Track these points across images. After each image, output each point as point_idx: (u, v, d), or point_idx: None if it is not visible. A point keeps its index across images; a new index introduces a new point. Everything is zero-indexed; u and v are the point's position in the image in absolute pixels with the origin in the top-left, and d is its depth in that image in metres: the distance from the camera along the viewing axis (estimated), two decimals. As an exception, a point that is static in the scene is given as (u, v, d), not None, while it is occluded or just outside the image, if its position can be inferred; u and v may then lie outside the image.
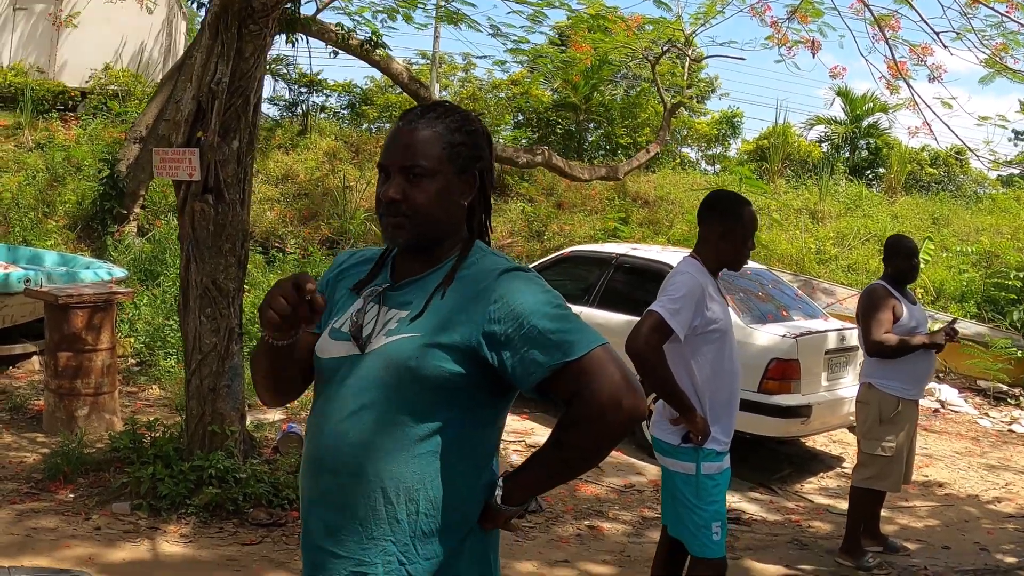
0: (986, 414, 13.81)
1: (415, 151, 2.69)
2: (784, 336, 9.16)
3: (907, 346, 7.07)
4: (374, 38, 11.59)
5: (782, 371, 9.03)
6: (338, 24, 12.20)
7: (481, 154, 2.83)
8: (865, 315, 7.27)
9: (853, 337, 9.75)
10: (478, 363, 2.58)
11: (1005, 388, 14.59)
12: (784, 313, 9.97)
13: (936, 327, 7.99)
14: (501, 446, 2.84)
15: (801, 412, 9.10)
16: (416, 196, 2.68)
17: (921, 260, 7.45)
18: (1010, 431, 12.97)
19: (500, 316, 2.54)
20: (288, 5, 7.86)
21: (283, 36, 8.73)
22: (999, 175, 29.30)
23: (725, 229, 5.11)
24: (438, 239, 2.75)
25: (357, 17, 13.49)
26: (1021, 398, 14.48)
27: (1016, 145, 38.97)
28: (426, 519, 2.61)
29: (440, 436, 2.61)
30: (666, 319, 4.80)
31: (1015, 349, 14.76)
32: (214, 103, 7.10)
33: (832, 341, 9.64)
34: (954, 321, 7.64)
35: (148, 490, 7.13)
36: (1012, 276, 17.62)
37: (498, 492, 2.66)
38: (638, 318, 8.67)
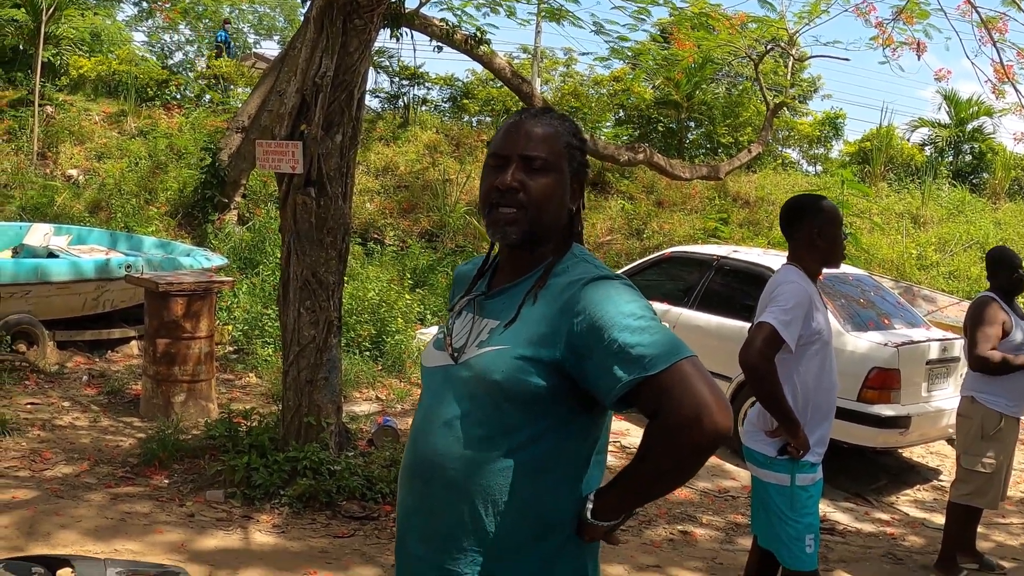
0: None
1: (538, 143, 2.64)
2: (886, 345, 9.01)
3: (1011, 365, 6.90)
4: (478, 34, 11.57)
5: (882, 380, 8.88)
6: (442, 19, 12.19)
7: (588, 164, 2.80)
8: (973, 327, 7.06)
9: (955, 348, 9.61)
10: (564, 376, 2.51)
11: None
12: (886, 321, 9.81)
13: None
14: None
15: (900, 423, 8.94)
16: (534, 187, 2.62)
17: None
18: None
19: (583, 328, 2.47)
20: (392, 0, 7.87)
21: (387, 30, 8.73)
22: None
23: (816, 227, 5.01)
24: (544, 239, 2.69)
25: (459, 11, 13.52)
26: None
27: None
28: (517, 530, 2.57)
29: (530, 449, 2.55)
30: (779, 331, 4.71)
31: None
32: (318, 97, 7.13)
33: (934, 351, 9.46)
34: None
35: (242, 479, 7.18)
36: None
37: (588, 506, 2.59)
38: (738, 321, 8.59)
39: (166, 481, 7.51)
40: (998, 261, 7.26)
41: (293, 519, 6.94)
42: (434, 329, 13.06)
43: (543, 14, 15.86)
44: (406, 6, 8.73)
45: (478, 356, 2.59)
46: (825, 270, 5.24)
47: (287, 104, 7.39)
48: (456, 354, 2.67)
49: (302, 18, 14.46)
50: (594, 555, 2.73)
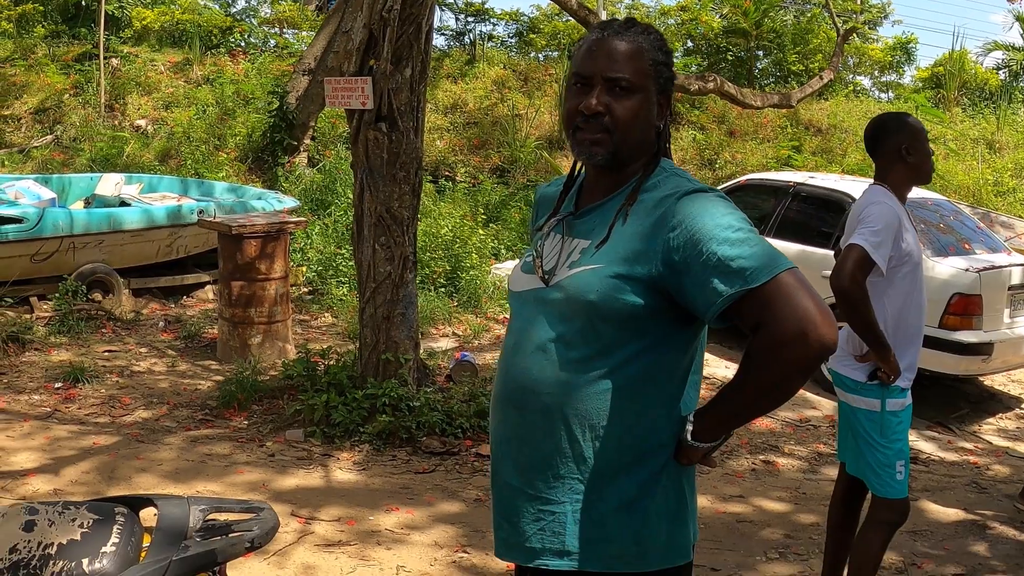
0: None
1: (623, 63, 2.55)
2: (967, 270, 8.84)
3: None
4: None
5: (964, 306, 8.72)
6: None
7: (675, 77, 2.70)
8: None
9: (1039, 273, 9.42)
10: (661, 293, 2.45)
11: None
12: (966, 246, 9.62)
13: None
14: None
15: (982, 349, 8.80)
16: (620, 110, 2.53)
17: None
18: None
19: (680, 243, 2.38)
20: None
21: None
22: None
23: (904, 145, 4.88)
24: (632, 158, 2.60)
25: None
26: None
27: None
28: (615, 455, 2.51)
29: (626, 370, 2.49)
30: (870, 252, 4.58)
31: None
32: (386, 31, 7.07)
33: (1016, 276, 9.25)
34: None
35: (321, 417, 7.22)
36: None
37: (688, 428, 2.53)
38: (816, 248, 8.46)
39: (245, 422, 7.57)
40: None
41: (373, 456, 6.97)
42: (509, 264, 13.06)
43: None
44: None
45: (570, 277, 2.53)
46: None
47: (355, 40, 7.33)
48: (547, 276, 2.60)
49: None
50: (691, 479, 2.68)
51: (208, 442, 7.15)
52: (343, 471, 6.72)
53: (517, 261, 2.85)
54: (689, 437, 2.53)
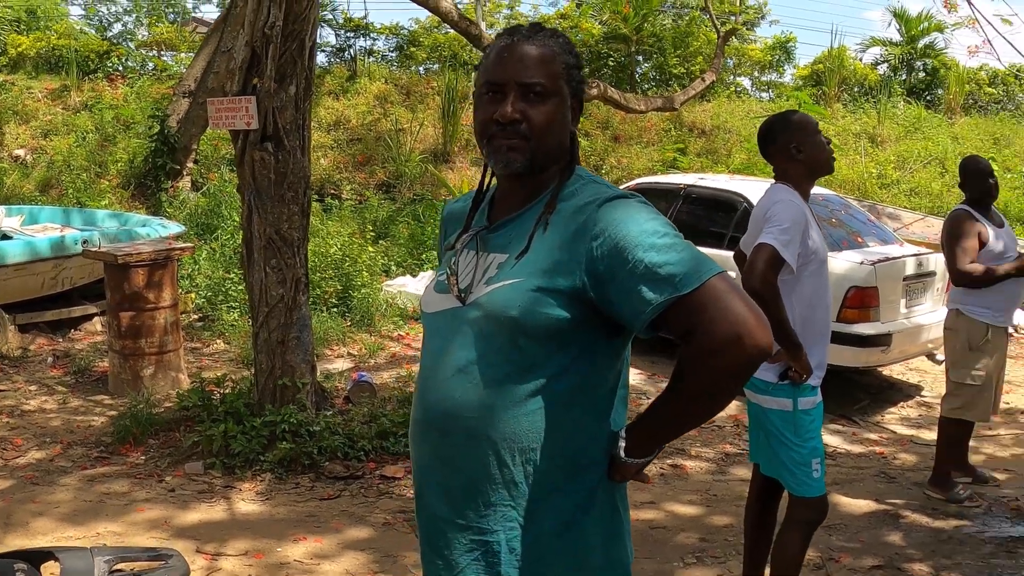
0: (1046, 334, 13.51)
1: (536, 68, 2.46)
2: (861, 263, 8.89)
3: (994, 275, 6.82)
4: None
5: (861, 299, 8.77)
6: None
7: (585, 80, 2.62)
8: (949, 243, 7.00)
9: (930, 262, 9.56)
10: (585, 304, 2.35)
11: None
12: (859, 239, 9.70)
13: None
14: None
15: (881, 341, 8.85)
16: (536, 116, 2.45)
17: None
18: (1075, 351, 12.66)
19: (604, 252, 2.30)
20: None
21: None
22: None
23: (792, 143, 4.87)
24: (547, 166, 2.52)
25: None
26: (1092, 318, 14.17)
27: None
28: (547, 477, 2.42)
29: (553, 387, 2.39)
30: (780, 251, 4.54)
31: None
32: (268, 48, 6.90)
33: (910, 267, 9.35)
34: None
35: (220, 448, 7.01)
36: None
37: (621, 444, 2.45)
38: (709, 249, 8.47)
39: (143, 457, 7.32)
40: (969, 171, 7.17)
41: (276, 485, 6.78)
42: (400, 280, 12.95)
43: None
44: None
45: (489, 293, 2.43)
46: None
47: (237, 58, 7.16)
48: (463, 295, 2.49)
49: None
50: (624, 496, 2.59)
51: (105, 480, 6.90)
52: (246, 502, 6.52)
53: (428, 281, 2.73)
54: (622, 453, 2.44)
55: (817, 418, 4.79)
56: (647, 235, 2.28)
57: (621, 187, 11.26)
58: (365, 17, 25.96)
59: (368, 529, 6.13)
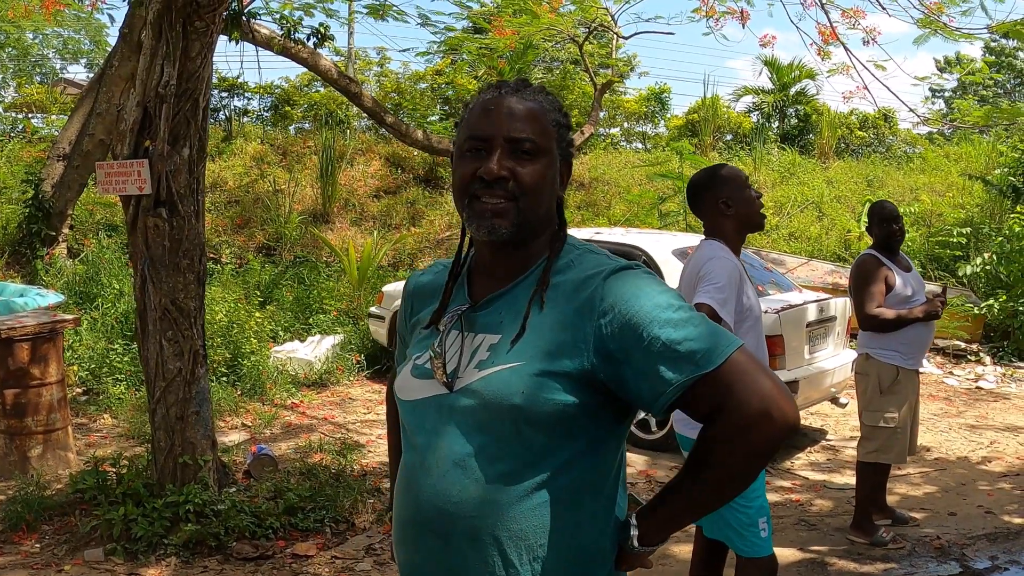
0: (951, 373, 13.92)
1: (526, 123, 2.26)
2: (766, 311, 8.81)
3: (902, 319, 6.86)
4: (321, 30, 11.07)
5: (767, 347, 8.71)
6: (282, 17, 11.64)
7: (574, 143, 2.43)
8: (857, 289, 7.07)
9: (831, 307, 9.63)
10: (595, 388, 2.16)
11: (963, 345, 14.65)
12: (759, 288, 9.67)
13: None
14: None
15: (788, 388, 8.77)
16: (525, 175, 2.25)
17: (901, 224, 7.22)
18: (978, 388, 13.10)
19: (614, 329, 2.12)
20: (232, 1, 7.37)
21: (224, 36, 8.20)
22: (930, 132, 29.53)
23: (721, 199, 4.76)
24: (536, 234, 2.31)
25: (276, 14, 13.00)
26: (981, 354, 14.54)
27: (934, 103, 39.53)
28: (557, 574, 2.21)
29: (561, 478, 2.19)
30: (717, 311, 4.40)
31: (970, 306, 14.82)
32: (162, 108, 6.58)
33: (812, 312, 9.38)
34: (945, 289, 7.39)
35: (121, 532, 6.60)
36: (955, 233, 17.63)
37: (633, 532, 2.24)
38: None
39: (37, 545, 6.84)
40: (875, 216, 7.25)
41: (183, 569, 6.39)
42: (288, 346, 12.63)
43: (366, 11, 15.35)
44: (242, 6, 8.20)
45: (483, 379, 2.20)
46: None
47: (127, 120, 6.81)
48: (450, 380, 2.26)
49: (113, 37, 13.80)
50: None
51: (0, 573, 6.47)
52: (153, 590, 6.14)
53: (402, 365, 2.48)
54: (635, 543, 2.24)
55: (760, 477, 4.66)
56: (661, 309, 2.11)
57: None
58: (239, 77, 25.68)
59: (286, 613, 5.83)
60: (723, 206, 4.76)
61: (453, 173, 2.33)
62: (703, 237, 4.89)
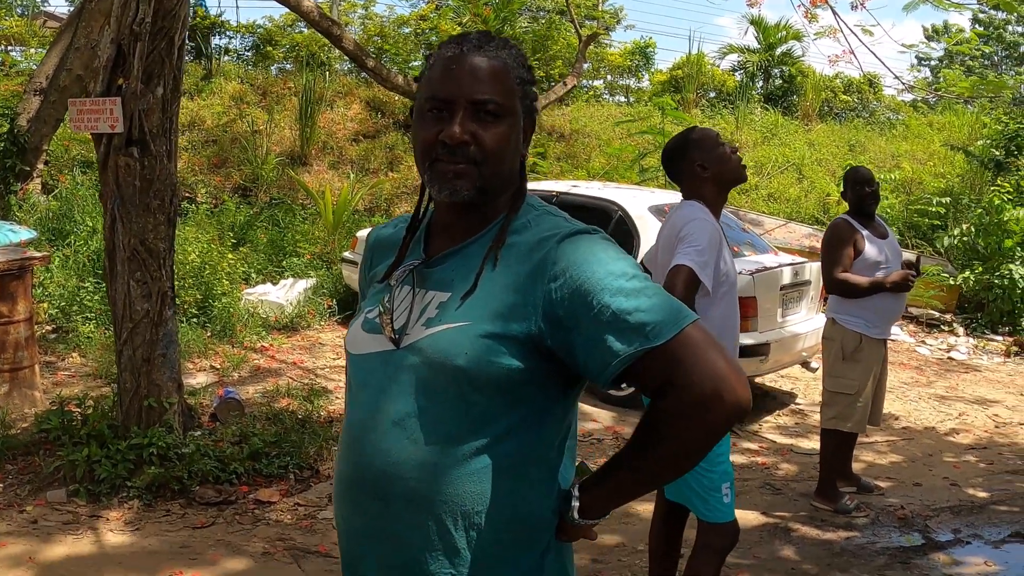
0: (923, 342, 13.89)
1: (488, 83, 2.18)
2: (740, 273, 8.78)
3: (869, 286, 6.85)
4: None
5: (740, 309, 8.69)
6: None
7: (537, 98, 2.34)
8: (826, 252, 7.08)
9: (806, 271, 9.61)
10: (542, 354, 2.10)
11: (937, 315, 14.64)
12: (735, 249, 9.59)
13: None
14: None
15: (759, 351, 8.82)
16: (488, 138, 2.17)
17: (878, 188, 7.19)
18: (950, 359, 13.08)
19: (564, 295, 2.05)
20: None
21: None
22: (914, 100, 29.53)
23: (697, 162, 4.70)
24: (497, 194, 2.25)
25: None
26: (955, 324, 14.53)
27: (920, 71, 39.50)
28: (493, 545, 2.15)
29: (503, 445, 2.13)
30: (697, 273, 4.35)
31: (946, 276, 14.81)
32: (136, 46, 6.46)
33: (787, 276, 9.35)
34: (918, 260, 7.36)
35: (84, 474, 6.56)
36: (935, 203, 17.61)
37: (575, 505, 2.19)
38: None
39: (0, 485, 6.81)
40: (848, 180, 7.24)
41: (145, 512, 6.36)
42: (261, 288, 12.56)
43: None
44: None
45: (429, 337, 2.15)
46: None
47: (101, 57, 6.70)
48: (397, 336, 2.20)
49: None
50: (571, 555, 2.34)
51: (-40, 512, 6.41)
52: (115, 533, 6.08)
53: (355, 318, 2.42)
54: (576, 515, 2.19)
55: (725, 442, 4.66)
56: (614, 277, 2.04)
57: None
58: (221, 15, 25.41)
59: (247, 560, 5.78)
60: (699, 168, 4.70)
61: (413, 133, 2.26)
62: (682, 198, 4.83)
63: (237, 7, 26.82)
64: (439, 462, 2.12)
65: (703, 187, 4.71)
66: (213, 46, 25.03)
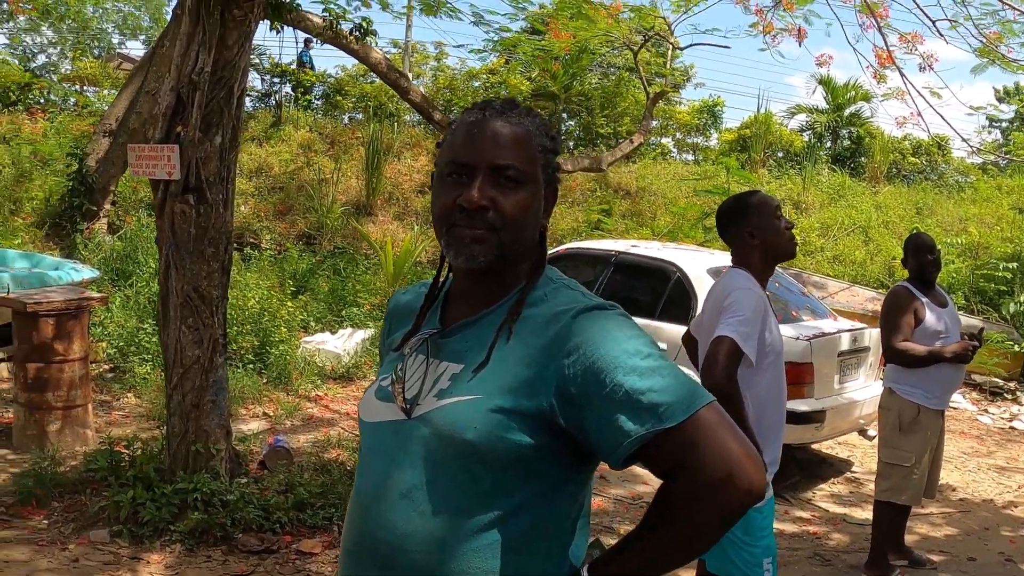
0: (985, 410, 13.60)
1: (510, 149, 2.16)
2: (797, 339, 8.70)
3: (929, 357, 6.72)
4: (364, 24, 11.06)
5: (795, 375, 8.55)
6: (326, 9, 11.66)
7: (560, 168, 2.32)
8: (885, 320, 6.94)
9: (865, 337, 9.48)
10: (553, 430, 2.06)
11: (1001, 383, 14.37)
12: (794, 313, 9.54)
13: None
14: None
15: (815, 417, 8.68)
16: (507, 205, 2.15)
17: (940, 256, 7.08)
18: (1012, 428, 12.79)
19: (577, 371, 2.01)
20: (273, -11, 7.34)
21: (265, 23, 8.19)
22: (983, 163, 29.19)
23: (748, 228, 4.63)
24: (515, 264, 2.22)
25: (333, 4, 13.01)
26: (1018, 393, 14.25)
27: (990, 133, 39.06)
28: None
29: (513, 522, 2.08)
30: (740, 345, 4.28)
31: (1011, 343, 14.56)
32: (195, 95, 6.56)
33: (845, 342, 9.22)
34: (981, 331, 7.19)
35: (128, 515, 6.58)
36: (1001, 268, 17.36)
37: None
38: (640, 319, 8.26)
39: (45, 522, 6.84)
40: (909, 246, 7.10)
41: (186, 557, 6.36)
42: (319, 337, 12.59)
43: (419, 8, 15.35)
44: (284, -2, 8.17)
45: (440, 409, 2.11)
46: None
47: (161, 104, 6.80)
48: (409, 407, 2.17)
49: (169, 16, 13.87)
50: None
51: (4, 546, 6.42)
52: (154, 576, 6.12)
53: (372, 385, 2.40)
54: None
55: (769, 515, 4.55)
56: (628, 355, 2.00)
57: (552, 251, 11.10)
58: (292, 64, 25.69)
59: (283, 610, 5.78)
60: (748, 235, 4.64)
61: (433, 198, 2.24)
62: (730, 264, 4.78)
63: (311, 57, 27.02)
64: (446, 537, 2.07)
65: (751, 254, 4.65)
66: (284, 93, 25.32)
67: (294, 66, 25.32)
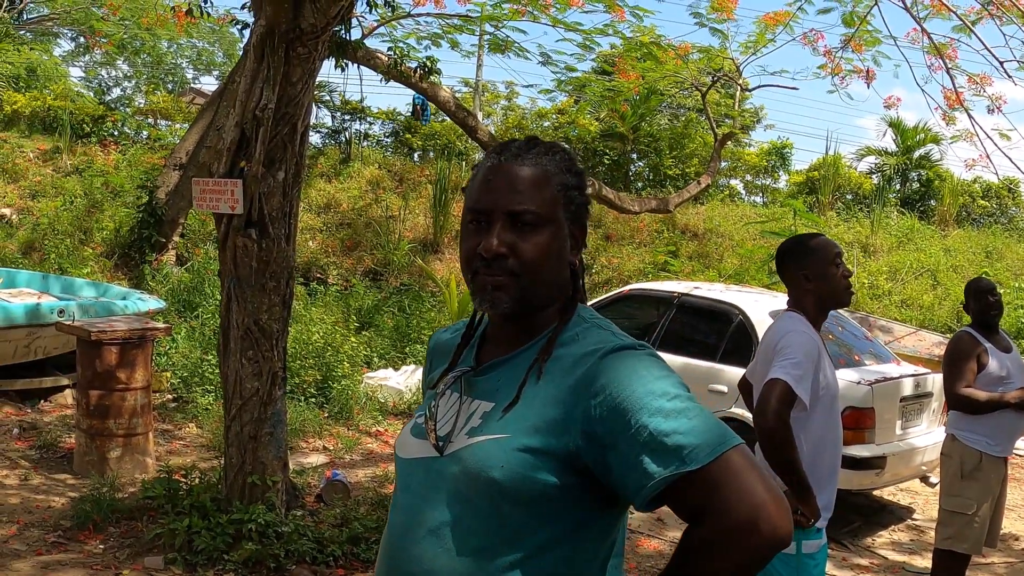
0: (1051, 458, 13.28)
1: (526, 192, 2.16)
2: (859, 383, 8.64)
3: (992, 403, 6.59)
4: (428, 63, 11.15)
5: (856, 420, 8.50)
6: (391, 48, 11.79)
7: (588, 202, 2.32)
8: (948, 366, 6.80)
9: (928, 383, 9.36)
10: (579, 471, 2.05)
11: (1071, 431, 14.04)
12: (856, 358, 9.47)
13: None
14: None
15: (875, 463, 8.59)
16: (526, 250, 2.15)
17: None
18: (1076, 475, 12.44)
19: (603, 412, 1.99)
20: (338, 28, 7.41)
21: (330, 60, 8.30)
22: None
23: (807, 271, 4.60)
24: (543, 305, 2.22)
25: (402, 43, 13.16)
26: (1089, 442, 13.96)
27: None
28: None
29: (538, 561, 2.07)
30: (793, 387, 4.25)
31: (1081, 390, 14.27)
32: (259, 131, 6.65)
33: (907, 388, 9.13)
34: None
35: (183, 543, 6.64)
36: (1071, 313, 17.12)
37: None
38: (701, 361, 8.27)
39: (101, 546, 6.92)
40: (970, 291, 7.00)
41: (239, 587, 6.42)
42: (382, 373, 12.63)
43: (487, 46, 15.50)
44: (351, 35, 8.27)
45: (470, 447, 2.11)
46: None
47: (225, 139, 6.90)
48: (441, 444, 2.18)
49: (241, 51, 14.07)
50: None
51: (60, 569, 6.51)
52: (206, 605, 6.16)
53: (410, 422, 2.42)
54: None
55: (821, 562, 4.49)
56: (655, 397, 1.98)
57: (614, 292, 11.09)
58: (362, 101, 25.94)
59: (333, 644, 5.79)
60: (804, 279, 4.62)
61: (460, 245, 2.26)
62: (785, 307, 4.76)
63: (361, 88, 27.27)
64: (471, 574, 2.08)
65: (805, 298, 4.62)
66: (353, 131, 25.54)
67: (408, 113, 25.50)
